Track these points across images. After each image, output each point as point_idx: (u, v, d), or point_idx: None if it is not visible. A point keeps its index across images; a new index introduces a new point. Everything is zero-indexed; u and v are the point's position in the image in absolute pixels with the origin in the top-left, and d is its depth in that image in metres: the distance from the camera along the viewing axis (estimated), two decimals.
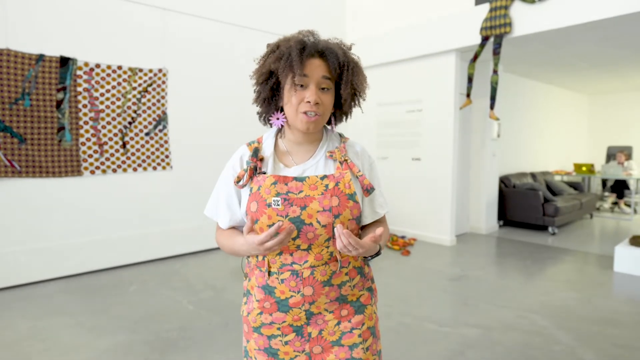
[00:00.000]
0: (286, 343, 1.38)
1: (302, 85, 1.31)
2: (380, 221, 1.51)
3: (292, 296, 1.33)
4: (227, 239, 1.42)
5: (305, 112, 1.31)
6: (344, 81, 1.35)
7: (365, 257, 1.37)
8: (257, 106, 1.46)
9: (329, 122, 1.47)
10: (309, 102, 1.30)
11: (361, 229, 1.48)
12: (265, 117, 1.46)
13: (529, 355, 3.21)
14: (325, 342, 1.39)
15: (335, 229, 1.21)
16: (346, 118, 1.50)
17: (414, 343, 3.42)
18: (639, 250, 5.17)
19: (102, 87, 5.21)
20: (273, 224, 1.27)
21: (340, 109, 1.45)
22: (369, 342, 1.42)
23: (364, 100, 1.47)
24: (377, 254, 1.35)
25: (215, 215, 1.47)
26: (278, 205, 1.28)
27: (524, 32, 5.53)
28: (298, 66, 1.27)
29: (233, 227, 1.47)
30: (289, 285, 1.33)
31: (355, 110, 1.52)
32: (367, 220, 1.45)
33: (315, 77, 1.30)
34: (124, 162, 5.43)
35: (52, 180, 4.93)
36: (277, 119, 1.43)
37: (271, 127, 1.48)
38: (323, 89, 1.33)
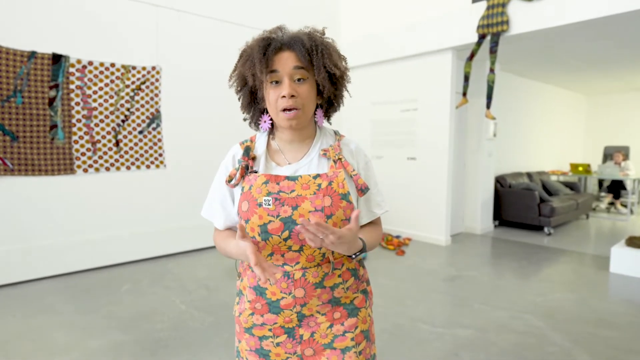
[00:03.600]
0: (277, 345, 1.36)
1: (277, 82, 1.28)
2: (373, 223, 1.47)
3: (283, 298, 1.31)
4: (221, 241, 1.39)
5: (284, 110, 1.28)
6: (315, 66, 1.29)
7: (350, 257, 1.29)
8: (243, 113, 1.45)
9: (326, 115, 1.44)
10: (284, 97, 1.26)
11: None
12: (254, 121, 1.45)
13: (523, 357, 3.19)
14: (317, 344, 1.36)
15: (299, 226, 1.10)
16: (337, 106, 1.45)
17: (408, 344, 3.40)
18: (636, 251, 5.16)
19: (95, 84, 5.16)
20: (264, 223, 1.25)
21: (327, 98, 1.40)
22: (362, 346, 1.39)
23: (348, 82, 1.42)
24: (361, 251, 1.27)
25: (211, 216, 1.45)
26: (269, 205, 1.26)
27: (521, 30, 5.50)
28: (262, 64, 1.24)
29: (230, 229, 1.44)
30: (280, 286, 1.30)
31: (350, 109, 1.47)
32: (362, 220, 1.42)
33: (286, 70, 1.26)
34: (117, 160, 5.38)
35: (44, 179, 4.88)
36: (265, 122, 1.41)
37: (264, 131, 1.44)
38: (299, 80, 1.28)
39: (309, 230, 1.08)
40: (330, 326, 1.36)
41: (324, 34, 1.36)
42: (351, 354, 1.36)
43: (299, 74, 1.28)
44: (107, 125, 5.29)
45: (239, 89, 1.39)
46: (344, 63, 1.38)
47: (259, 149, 1.40)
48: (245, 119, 1.46)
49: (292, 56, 1.27)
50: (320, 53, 1.29)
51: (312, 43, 1.28)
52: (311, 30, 1.34)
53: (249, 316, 1.37)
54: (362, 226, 1.44)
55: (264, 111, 1.41)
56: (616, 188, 10.02)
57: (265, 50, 1.26)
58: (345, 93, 1.45)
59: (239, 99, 1.41)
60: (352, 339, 1.37)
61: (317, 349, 1.36)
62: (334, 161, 1.34)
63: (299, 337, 1.35)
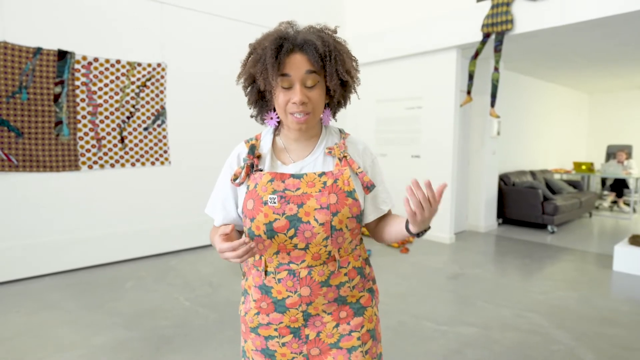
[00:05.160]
0: (283, 344, 1.35)
1: (287, 86, 1.24)
2: (387, 216, 1.47)
3: (289, 296, 1.30)
4: (212, 236, 1.38)
5: (293, 114, 1.26)
6: (328, 73, 1.26)
7: (417, 235, 1.27)
8: (250, 109, 1.43)
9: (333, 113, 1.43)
10: (295, 102, 1.24)
11: (368, 226, 1.47)
12: (260, 117, 1.43)
13: (527, 355, 3.19)
14: (323, 344, 1.36)
15: (411, 184, 1.11)
16: (344, 105, 1.44)
17: (411, 341, 3.40)
18: (639, 250, 5.15)
19: (101, 81, 5.17)
20: (270, 222, 1.25)
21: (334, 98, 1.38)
22: (368, 345, 1.39)
23: (358, 85, 1.39)
24: (425, 230, 1.27)
25: (212, 213, 1.45)
26: (274, 203, 1.25)
27: (525, 29, 5.49)
28: (274, 69, 1.21)
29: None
30: (285, 285, 1.30)
31: (354, 107, 1.46)
32: (369, 217, 1.42)
33: (298, 75, 1.23)
34: (122, 157, 5.40)
35: (49, 175, 4.89)
36: (272, 118, 1.39)
37: (270, 127, 1.44)
38: (310, 85, 1.25)
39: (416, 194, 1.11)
40: (337, 325, 1.36)
41: (335, 32, 1.32)
42: (357, 353, 1.36)
43: (311, 79, 1.24)
44: (112, 122, 5.30)
45: (246, 85, 1.36)
46: (354, 64, 1.35)
47: (264, 147, 1.39)
48: (252, 116, 1.45)
49: (305, 60, 1.23)
50: (334, 59, 1.26)
51: (326, 48, 1.24)
52: (323, 27, 1.31)
53: (255, 315, 1.37)
54: (384, 218, 1.46)
55: (272, 108, 1.39)
56: (619, 187, 10.00)
57: (277, 53, 1.22)
58: (353, 94, 1.43)
59: (246, 95, 1.39)
60: (359, 339, 1.37)
61: (323, 349, 1.36)
62: (339, 159, 1.34)
63: (305, 337, 1.35)
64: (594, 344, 3.36)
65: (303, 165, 1.34)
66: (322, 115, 1.39)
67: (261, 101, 1.38)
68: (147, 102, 5.57)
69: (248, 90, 1.37)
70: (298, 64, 1.23)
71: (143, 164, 5.59)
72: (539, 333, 3.56)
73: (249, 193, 1.30)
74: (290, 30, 1.28)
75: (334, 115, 1.45)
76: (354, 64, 1.35)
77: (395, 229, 1.35)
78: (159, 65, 5.63)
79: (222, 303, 4.15)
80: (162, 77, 5.68)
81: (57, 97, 4.87)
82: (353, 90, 1.40)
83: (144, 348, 3.26)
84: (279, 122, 1.40)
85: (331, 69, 1.26)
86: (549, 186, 8.89)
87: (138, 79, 5.46)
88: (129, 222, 5.54)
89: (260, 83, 1.26)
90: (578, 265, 5.58)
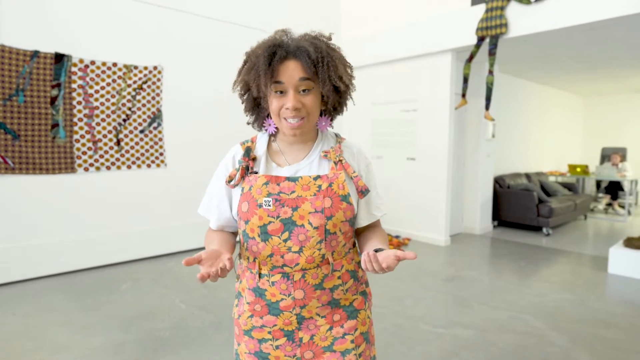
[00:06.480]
0: (277, 347, 1.36)
1: (281, 92, 1.26)
2: (374, 225, 1.48)
3: (282, 299, 1.31)
4: (207, 242, 1.40)
5: (288, 119, 1.27)
6: (320, 79, 1.26)
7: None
8: (247, 116, 1.44)
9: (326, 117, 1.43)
10: (288, 108, 1.25)
11: (356, 231, 1.47)
12: (258, 124, 1.44)
13: (522, 357, 3.21)
14: (316, 347, 1.37)
15: (363, 255, 1.19)
16: (340, 111, 1.44)
17: (407, 344, 3.42)
18: (633, 252, 5.18)
19: (97, 84, 5.18)
20: (264, 224, 1.26)
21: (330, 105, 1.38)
22: (362, 348, 1.40)
23: (353, 90, 1.40)
24: None
25: (207, 214, 1.46)
26: (269, 206, 1.26)
27: (519, 32, 5.52)
28: (267, 76, 1.22)
29: (222, 230, 1.46)
30: (279, 288, 1.31)
31: (350, 109, 1.46)
32: (362, 222, 1.43)
33: (291, 81, 1.24)
34: (118, 159, 5.40)
35: (45, 177, 4.89)
36: (270, 125, 1.40)
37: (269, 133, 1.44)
38: (304, 90, 1.26)
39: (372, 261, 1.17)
40: (330, 329, 1.37)
41: (330, 38, 1.33)
42: (351, 356, 1.36)
43: (304, 85, 1.26)
44: (109, 124, 5.31)
45: (242, 93, 1.37)
46: (349, 71, 1.36)
47: (260, 149, 1.40)
48: (248, 123, 1.46)
49: (298, 67, 1.24)
50: (326, 65, 1.26)
51: (319, 54, 1.25)
52: (317, 34, 1.32)
53: (248, 318, 1.38)
54: (367, 230, 1.46)
55: (268, 115, 1.40)
56: (614, 189, 10.04)
57: (270, 60, 1.23)
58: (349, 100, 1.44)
59: (242, 103, 1.40)
60: (352, 342, 1.38)
61: (316, 352, 1.37)
62: (335, 163, 1.35)
63: (299, 340, 1.36)
64: (590, 346, 3.38)
65: (298, 168, 1.35)
66: (318, 122, 1.40)
67: (257, 108, 1.39)
68: (144, 105, 5.58)
69: (244, 97, 1.38)
70: (291, 71, 1.24)
71: (139, 166, 5.59)
72: (535, 335, 3.58)
73: (244, 195, 1.31)
74: (284, 38, 1.28)
75: (331, 122, 1.45)
76: (348, 70, 1.35)
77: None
78: (155, 68, 5.64)
79: (219, 305, 4.15)
80: (159, 79, 5.69)
81: (53, 100, 4.88)
82: (348, 97, 1.41)
83: (140, 350, 3.26)
84: (277, 128, 1.40)
85: (323, 75, 1.26)
86: (544, 188, 8.92)
87: (134, 82, 5.47)
88: (125, 224, 5.54)
89: (253, 90, 1.28)
90: (573, 267, 5.61)
